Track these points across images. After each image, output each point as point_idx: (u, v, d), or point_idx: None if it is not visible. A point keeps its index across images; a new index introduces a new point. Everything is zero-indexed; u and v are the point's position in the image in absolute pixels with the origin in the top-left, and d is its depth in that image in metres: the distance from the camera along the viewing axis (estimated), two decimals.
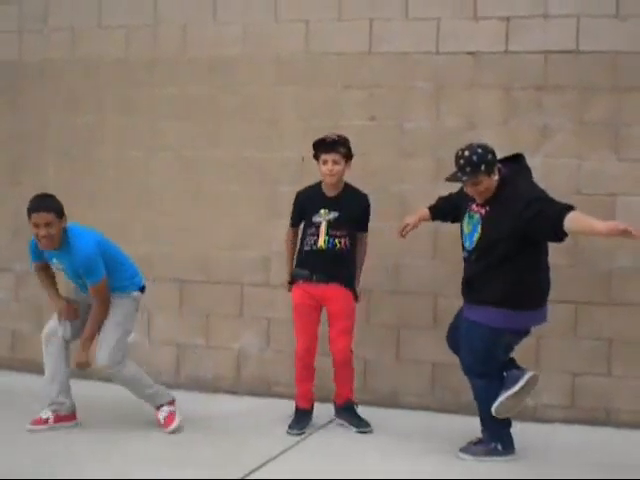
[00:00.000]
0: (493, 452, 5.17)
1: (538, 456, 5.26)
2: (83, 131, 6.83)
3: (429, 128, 6.17)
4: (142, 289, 5.80)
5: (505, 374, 5.13)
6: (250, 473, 4.90)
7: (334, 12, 6.33)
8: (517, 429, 5.29)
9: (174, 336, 6.75)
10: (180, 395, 6.42)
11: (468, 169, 4.97)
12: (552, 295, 5.19)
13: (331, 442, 5.50)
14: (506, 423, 5.20)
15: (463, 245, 5.20)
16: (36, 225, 5.34)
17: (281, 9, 6.44)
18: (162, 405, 5.70)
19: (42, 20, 6.94)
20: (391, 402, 6.27)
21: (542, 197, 4.94)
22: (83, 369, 5.55)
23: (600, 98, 5.88)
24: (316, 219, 5.63)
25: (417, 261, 6.22)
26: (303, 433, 5.59)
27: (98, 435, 5.52)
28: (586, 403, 5.97)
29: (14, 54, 7.02)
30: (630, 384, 5.89)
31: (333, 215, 5.61)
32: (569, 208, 4.81)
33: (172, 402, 5.75)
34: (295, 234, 5.81)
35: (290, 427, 5.63)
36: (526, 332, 5.18)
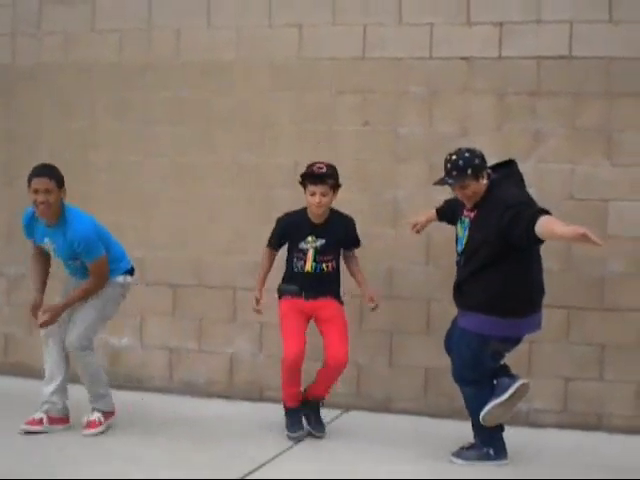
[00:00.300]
0: (485, 457, 5.18)
1: (530, 460, 5.27)
2: (77, 135, 6.82)
3: (422, 133, 6.18)
4: (130, 272, 5.78)
5: (495, 381, 5.13)
6: (244, 477, 4.90)
7: (328, 17, 6.33)
8: (509, 433, 5.29)
9: (167, 340, 6.74)
10: (173, 399, 6.45)
11: (454, 173, 5.00)
12: (544, 300, 5.19)
13: (324, 447, 5.50)
14: (498, 428, 5.20)
15: (456, 249, 5.22)
16: (35, 191, 5.34)
17: (275, 14, 6.44)
18: (101, 411, 5.65)
19: (36, 24, 6.93)
20: (384, 407, 6.27)
21: (521, 201, 4.91)
22: (40, 324, 5.53)
23: (593, 103, 5.89)
24: (303, 246, 5.62)
25: (410, 266, 6.22)
26: (303, 431, 5.59)
27: (92, 439, 5.51)
28: (578, 408, 5.98)
29: (7, 57, 7.01)
30: (622, 389, 5.90)
31: (320, 242, 5.60)
32: (542, 212, 4.77)
33: (110, 414, 5.70)
34: (273, 255, 5.77)
35: (291, 430, 5.58)
36: (517, 340, 5.15)
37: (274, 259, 5.79)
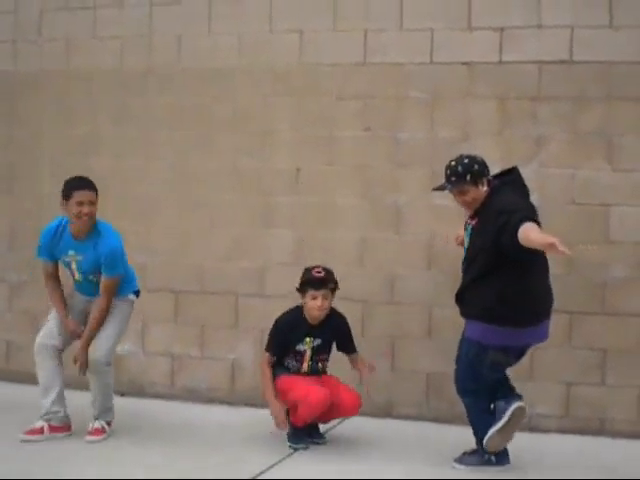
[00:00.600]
0: (487, 463, 5.16)
1: (533, 466, 5.25)
2: (78, 141, 6.83)
3: (424, 138, 6.18)
4: (137, 293, 5.85)
5: (493, 405, 5.10)
6: None
7: (329, 23, 6.34)
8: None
9: (169, 347, 6.74)
10: (175, 406, 6.45)
11: (453, 179, 5.00)
12: None
13: (326, 453, 5.49)
14: None
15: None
16: (80, 203, 5.45)
17: (276, 20, 6.45)
18: (105, 421, 5.67)
19: (37, 30, 6.95)
20: (386, 412, 6.26)
21: (512, 209, 4.83)
22: (83, 370, 5.56)
23: (594, 108, 5.89)
24: (300, 347, 5.60)
25: (412, 272, 6.21)
26: (305, 444, 5.58)
27: (94, 445, 5.51)
28: (580, 413, 5.97)
29: (9, 64, 7.03)
30: (624, 394, 5.89)
31: (317, 342, 5.61)
32: (527, 219, 4.71)
33: (110, 423, 5.72)
34: (272, 361, 5.63)
35: (294, 442, 5.54)
36: (519, 351, 5.07)
37: (274, 364, 5.67)
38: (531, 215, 4.82)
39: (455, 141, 6.06)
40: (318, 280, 5.51)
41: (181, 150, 6.65)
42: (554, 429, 5.95)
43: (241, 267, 6.51)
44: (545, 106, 5.96)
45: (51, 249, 5.66)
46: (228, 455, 5.38)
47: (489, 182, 5.03)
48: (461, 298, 5.12)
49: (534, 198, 5.23)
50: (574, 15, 5.90)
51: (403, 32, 6.20)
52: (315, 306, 5.52)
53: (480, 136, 6.03)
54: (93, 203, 5.49)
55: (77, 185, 5.52)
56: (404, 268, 6.22)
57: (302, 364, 5.60)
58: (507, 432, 5.02)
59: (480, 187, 4.99)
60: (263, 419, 5.65)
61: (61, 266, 5.75)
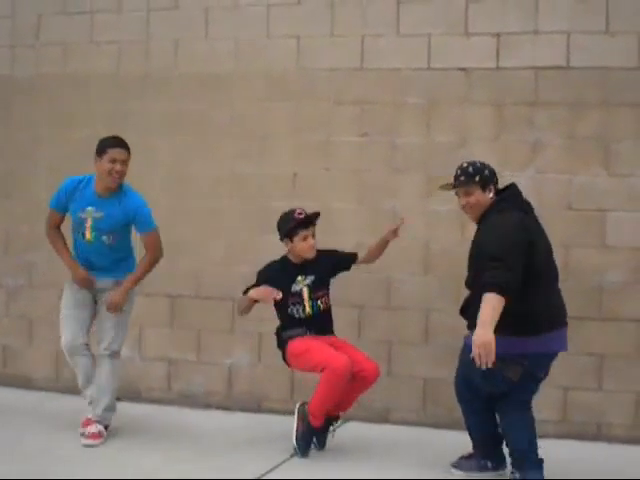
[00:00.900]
0: (484, 469, 5.17)
1: None
2: (75, 146, 6.81)
3: (421, 144, 6.19)
4: None
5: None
6: None
7: (326, 28, 6.35)
8: None
9: (165, 351, 6.74)
10: (171, 411, 6.44)
11: (462, 178, 5.00)
12: None
13: (323, 458, 5.48)
14: (497, 442, 5.18)
15: None
16: (113, 160, 5.52)
17: (273, 25, 6.46)
18: (104, 424, 5.67)
19: (34, 35, 6.95)
20: (383, 418, 6.26)
21: (487, 252, 4.72)
22: (113, 311, 5.64)
23: (590, 114, 5.91)
24: (295, 288, 5.59)
25: (409, 276, 6.22)
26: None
27: (91, 449, 5.50)
28: (577, 418, 5.98)
29: (6, 69, 7.03)
30: (621, 399, 5.90)
31: (310, 279, 5.61)
32: (489, 286, 4.60)
33: (107, 427, 5.73)
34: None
35: (303, 451, 5.47)
36: (515, 362, 4.81)
37: (278, 330, 5.72)
38: (500, 272, 4.63)
39: (452, 146, 6.07)
40: (305, 219, 5.56)
41: (178, 154, 6.65)
42: (551, 434, 5.95)
43: (238, 272, 6.50)
44: (542, 112, 5.98)
45: (67, 202, 5.68)
46: (225, 460, 5.38)
47: (496, 192, 5.01)
48: (464, 307, 5.08)
49: (532, 202, 5.20)
50: (571, 21, 5.91)
51: (400, 38, 6.21)
52: (309, 245, 5.57)
53: (477, 142, 6.04)
54: (125, 162, 5.56)
55: (112, 143, 5.59)
56: (401, 273, 6.23)
57: (304, 305, 5.58)
58: None
59: (487, 192, 4.97)
60: (260, 424, 5.65)
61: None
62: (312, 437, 5.52)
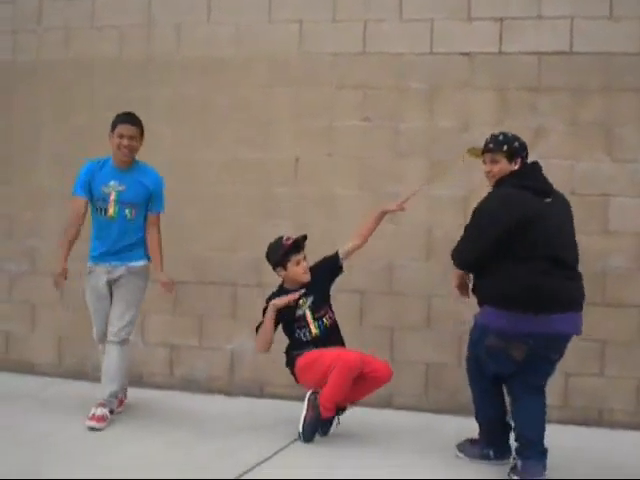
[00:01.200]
0: (485, 457, 5.14)
1: None
2: (77, 131, 6.81)
3: (423, 129, 6.18)
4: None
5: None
6: (244, 473, 4.90)
7: (328, 13, 6.33)
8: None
9: (168, 337, 6.74)
10: (174, 396, 6.45)
11: (491, 145, 5.01)
12: None
13: (325, 442, 5.49)
14: (504, 431, 5.13)
15: None
16: (120, 135, 5.66)
17: (275, 10, 6.44)
18: (109, 408, 5.69)
19: (36, 20, 6.94)
20: (385, 403, 6.26)
21: (472, 223, 4.92)
22: (170, 289, 5.89)
23: (594, 99, 5.89)
24: (299, 312, 5.60)
25: (411, 262, 6.22)
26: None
27: (94, 433, 5.51)
28: (579, 403, 5.99)
29: (8, 54, 7.01)
30: (623, 384, 5.91)
31: (310, 300, 5.61)
32: (455, 253, 4.95)
33: (113, 412, 5.75)
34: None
35: (307, 438, 5.47)
36: (517, 341, 4.76)
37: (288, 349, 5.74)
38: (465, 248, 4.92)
39: (454, 131, 6.06)
40: (294, 244, 5.58)
41: (180, 139, 6.64)
42: (553, 420, 5.91)
43: (240, 258, 6.51)
44: (545, 97, 5.97)
45: (90, 181, 5.73)
46: (227, 445, 5.38)
47: (522, 164, 4.99)
48: (474, 287, 5.07)
49: None
50: (574, 6, 5.90)
51: (403, 22, 6.20)
52: (303, 269, 5.60)
53: (479, 127, 6.01)
54: (133, 138, 5.66)
55: (121, 119, 5.71)
56: (403, 258, 6.23)
57: (309, 328, 5.58)
58: None
59: (512, 164, 4.96)
60: (262, 409, 5.65)
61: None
62: (318, 426, 5.53)
